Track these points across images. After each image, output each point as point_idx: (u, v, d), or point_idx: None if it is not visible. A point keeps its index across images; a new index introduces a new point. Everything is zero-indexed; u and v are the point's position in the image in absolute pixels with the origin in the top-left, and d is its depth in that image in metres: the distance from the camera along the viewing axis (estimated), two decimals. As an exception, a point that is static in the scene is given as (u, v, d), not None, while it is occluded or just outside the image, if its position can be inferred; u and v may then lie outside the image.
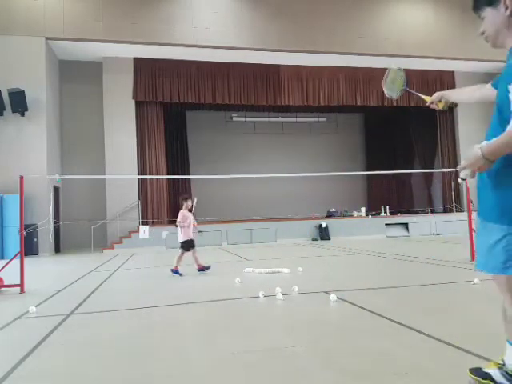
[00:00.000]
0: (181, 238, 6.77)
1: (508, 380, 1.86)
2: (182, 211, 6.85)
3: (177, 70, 15.05)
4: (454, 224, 15.22)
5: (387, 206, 16.88)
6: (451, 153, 17.84)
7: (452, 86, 17.52)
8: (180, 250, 6.71)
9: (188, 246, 6.75)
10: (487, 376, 1.93)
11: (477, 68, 17.45)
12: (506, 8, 1.66)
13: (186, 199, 7.00)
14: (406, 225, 15.73)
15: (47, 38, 13.13)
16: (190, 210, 7.00)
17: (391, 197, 19.44)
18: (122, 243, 13.49)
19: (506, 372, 1.87)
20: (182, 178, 16.86)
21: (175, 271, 6.49)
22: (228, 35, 14.30)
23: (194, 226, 7.02)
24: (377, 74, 16.64)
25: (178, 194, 17.15)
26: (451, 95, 2.27)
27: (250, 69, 15.63)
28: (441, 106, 2.28)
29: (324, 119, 19.68)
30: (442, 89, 17.43)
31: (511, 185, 1.69)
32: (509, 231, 1.68)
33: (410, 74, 16.65)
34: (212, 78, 15.30)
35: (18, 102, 12.33)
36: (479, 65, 17.10)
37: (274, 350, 2.67)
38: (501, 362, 1.94)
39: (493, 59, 16.79)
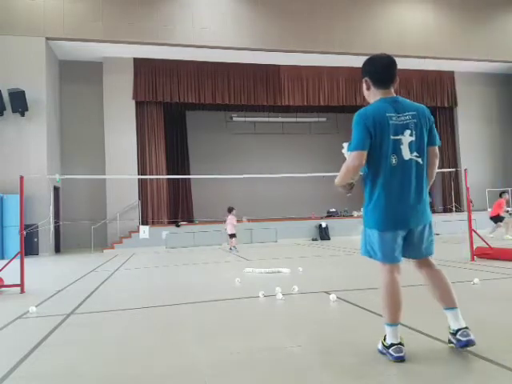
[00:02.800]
0: (229, 231, 11.14)
1: (384, 349, 2.44)
2: (230, 216, 11.20)
3: (177, 70, 15.05)
4: (453, 224, 15.23)
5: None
6: (451, 153, 17.85)
7: (452, 85, 17.53)
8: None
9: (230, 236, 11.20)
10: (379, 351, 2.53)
11: (477, 68, 17.47)
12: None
13: (231, 209, 11.32)
14: (405, 225, 15.70)
15: (47, 38, 13.13)
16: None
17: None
18: (122, 243, 13.50)
19: (383, 344, 2.47)
20: (182, 178, 16.86)
21: (230, 248, 11.05)
22: (228, 35, 14.31)
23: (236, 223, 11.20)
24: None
25: (177, 194, 17.22)
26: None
27: (250, 69, 15.64)
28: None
29: (324, 119, 19.67)
30: (442, 89, 17.47)
31: None
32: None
33: (409, 74, 16.67)
34: (212, 78, 15.30)
35: (18, 102, 12.33)
36: (479, 65, 17.11)
37: (273, 350, 2.67)
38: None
39: (493, 59, 16.80)
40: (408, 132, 2.35)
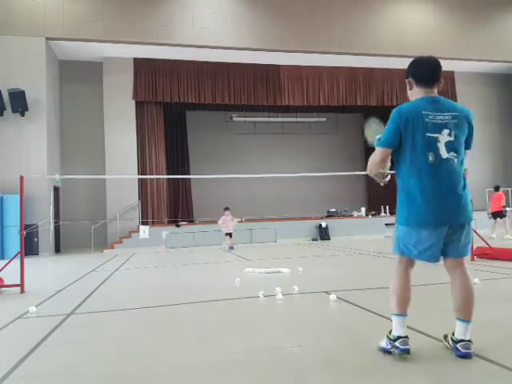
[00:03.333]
0: (224, 231, 11.74)
1: (390, 343, 2.47)
2: (223, 217, 11.63)
3: (177, 70, 15.05)
4: (453, 224, 15.20)
5: (387, 206, 16.88)
6: (451, 153, 17.82)
7: (452, 85, 17.53)
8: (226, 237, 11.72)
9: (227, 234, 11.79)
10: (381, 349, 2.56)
11: (477, 68, 17.47)
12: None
13: (226, 209, 11.73)
14: (405, 225, 15.71)
15: (47, 38, 13.13)
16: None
17: (391, 197, 19.18)
18: (122, 243, 13.50)
19: (388, 337, 2.50)
20: (182, 178, 16.86)
21: (230, 248, 11.55)
22: (228, 35, 14.31)
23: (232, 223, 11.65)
24: (376, 75, 16.67)
25: (177, 194, 17.22)
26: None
27: (250, 69, 15.64)
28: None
29: (324, 119, 19.67)
30: (442, 89, 17.36)
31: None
32: None
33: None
34: (212, 78, 15.30)
35: (18, 102, 12.33)
36: (479, 65, 17.11)
37: (273, 350, 2.67)
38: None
39: (493, 59, 16.80)
40: (446, 131, 2.37)
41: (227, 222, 11.62)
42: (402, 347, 2.37)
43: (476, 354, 2.39)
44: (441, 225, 2.36)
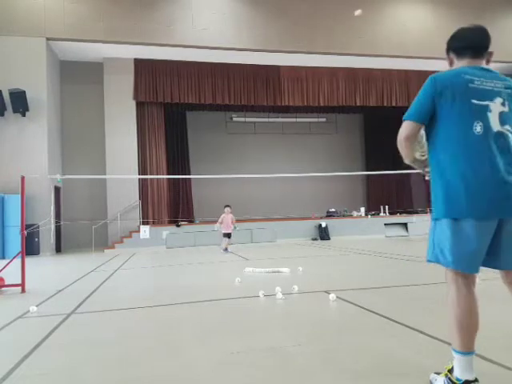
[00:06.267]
0: (224, 230, 10.87)
1: None
2: (223, 215, 10.81)
3: (177, 71, 15.07)
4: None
5: (386, 206, 16.90)
6: (451, 153, 17.81)
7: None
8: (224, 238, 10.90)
9: (227, 235, 10.89)
10: None
11: (477, 68, 17.44)
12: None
13: (226, 206, 10.92)
14: (405, 225, 15.74)
15: (48, 39, 13.14)
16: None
17: (390, 197, 19.44)
18: (122, 243, 13.51)
19: (450, 379, 1.90)
20: (182, 178, 16.87)
21: (225, 249, 10.79)
22: (228, 36, 14.32)
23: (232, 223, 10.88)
24: (376, 75, 16.67)
25: (178, 194, 17.22)
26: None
27: (250, 69, 15.65)
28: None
29: (323, 119, 19.68)
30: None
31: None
32: None
33: (409, 74, 16.68)
34: (212, 79, 15.32)
35: (19, 103, 12.34)
36: (479, 65, 17.09)
37: (273, 350, 2.68)
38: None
39: (493, 59, 16.77)
40: (499, 100, 1.91)
41: (227, 222, 10.81)
42: None
43: (476, 354, 2.39)
44: (487, 217, 1.81)
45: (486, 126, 1.86)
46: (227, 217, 10.83)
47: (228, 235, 10.92)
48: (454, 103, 1.90)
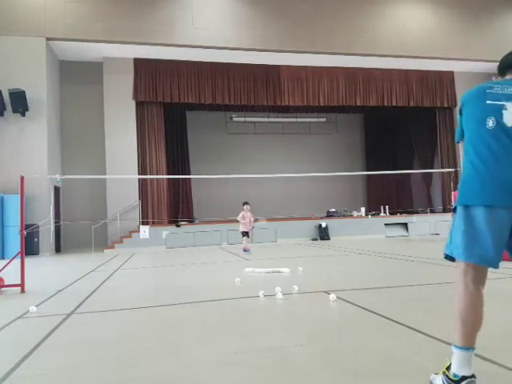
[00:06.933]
0: (241, 229, 10.27)
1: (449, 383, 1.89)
2: (242, 212, 10.12)
3: (177, 71, 15.06)
4: (453, 224, 15.20)
5: (387, 206, 16.90)
6: (451, 153, 17.83)
7: (452, 85, 17.53)
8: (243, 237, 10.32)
9: (246, 234, 10.26)
10: None
11: (477, 68, 17.44)
12: None
13: (246, 203, 10.28)
14: (405, 225, 15.75)
15: (48, 39, 13.13)
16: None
17: (391, 197, 19.45)
18: (122, 243, 13.51)
19: (447, 376, 1.90)
20: (182, 178, 16.87)
21: (245, 250, 10.05)
22: (228, 36, 14.32)
23: (250, 222, 10.25)
24: (376, 75, 16.67)
25: (178, 194, 17.22)
26: None
27: (250, 69, 15.65)
28: None
29: (324, 119, 19.69)
30: (442, 89, 17.46)
31: None
32: None
33: (409, 74, 16.69)
34: (212, 79, 15.31)
35: (19, 102, 12.34)
36: (479, 65, 17.09)
37: (274, 350, 2.68)
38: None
39: (492, 59, 16.78)
40: None
41: (248, 219, 10.13)
42: None
43: (476, 354, 2.39)
44: (497, 204, 1.82)
45: (499, 122, 1.93)
46: (246, 214, 10.25)
47: (247, 234, 10.40)
48: (471, 104, 2.03)
